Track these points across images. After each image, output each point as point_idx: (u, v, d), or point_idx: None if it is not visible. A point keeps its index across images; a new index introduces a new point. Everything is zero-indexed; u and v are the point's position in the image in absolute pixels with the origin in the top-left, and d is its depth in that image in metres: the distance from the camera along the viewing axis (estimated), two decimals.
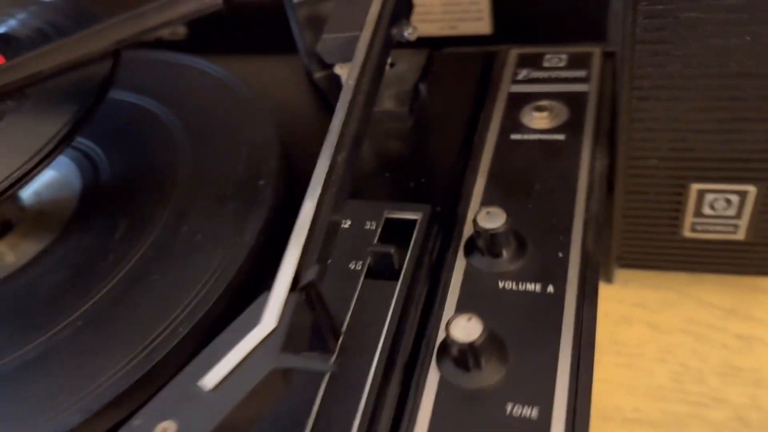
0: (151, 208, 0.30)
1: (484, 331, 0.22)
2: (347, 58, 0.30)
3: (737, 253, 0.32)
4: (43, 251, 0.30)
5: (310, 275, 0.20)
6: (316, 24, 0.35)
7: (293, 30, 0.36)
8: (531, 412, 0.21)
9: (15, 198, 0.32)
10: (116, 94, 0.34)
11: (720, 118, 0.27)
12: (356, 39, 0.29)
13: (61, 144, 0.25)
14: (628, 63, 0.26)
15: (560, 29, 0.38)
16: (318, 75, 0.36)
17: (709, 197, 0.30)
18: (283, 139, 0.32)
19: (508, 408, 0.21)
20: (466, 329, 0.22)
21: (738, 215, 0.30)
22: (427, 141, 0.32)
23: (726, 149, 0.28)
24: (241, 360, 0.19)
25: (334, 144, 0.24)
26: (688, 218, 0.31)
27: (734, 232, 0.31)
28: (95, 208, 0.31)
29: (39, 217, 0.32)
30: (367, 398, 0.22)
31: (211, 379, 0.18)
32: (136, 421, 0.18)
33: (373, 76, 0.27)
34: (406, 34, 0.31)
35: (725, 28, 0.24)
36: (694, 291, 0.35)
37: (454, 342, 0.22)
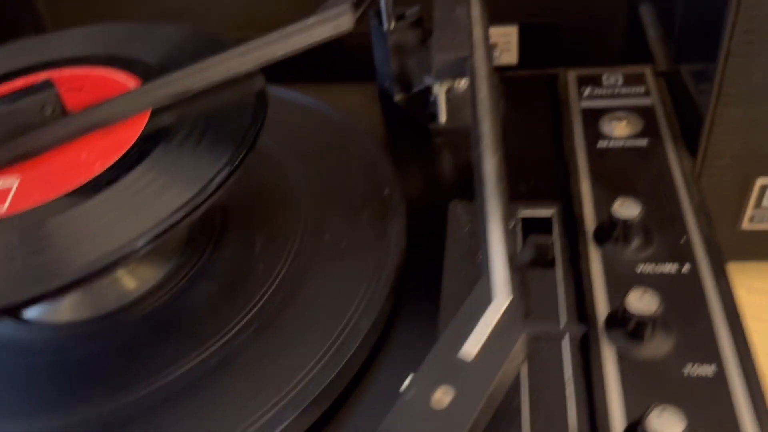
0: (283, 222, 0.31)
1: (661, 303, 0.24)
2: (459, 74, 0.33)
3: None
4: (175, 269, 0.30)
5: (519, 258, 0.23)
6: (401, 51, 0.37)
7: (378, 57, 0.38)
8: (708, 370, 0.24)
9: None
10: None
11: None
12: (466, 58, 0.32)
13: (232, 174, 0.25)
14: (719, 74, 0.30)
15: (577, 57, 0.43)
16: (399, 98, 0.39)
17: None
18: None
19: (687, 369, 0.24)
20: (643, 302, 0.25)
21: None
22: (519, 151, 0.35)
23: None
24: (491, 331, 0.21)
25: (492, 146, 0.27)
26: (749, 211, 0.35)
27: None
28: (213, 229, 0.32)
29: None
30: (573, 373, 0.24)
31: (469, 351, 0.20)
32: (411, 390, 0.19)
33: (492, 88, 0.30)
34: (496, 54, 0.34)
35: None
36: (739, 279, 0.39)
37: (632, 316, 0.24)
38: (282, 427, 0.23)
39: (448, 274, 0.28)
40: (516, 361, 0.21)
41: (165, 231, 0.23)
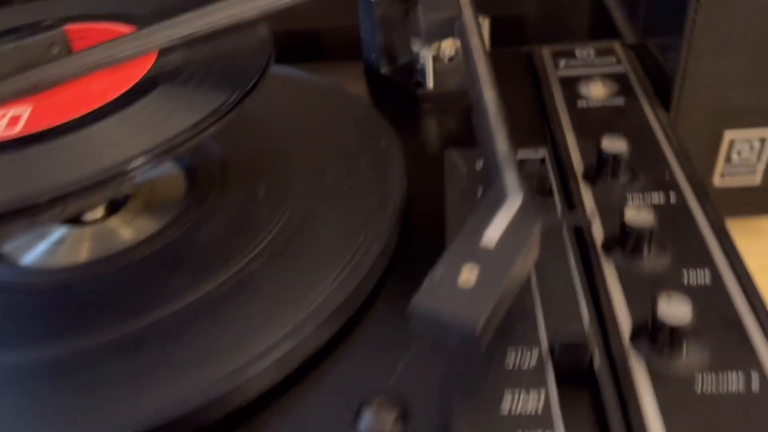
0: (284, 172, 0.31)
1: (655, 218, 0.26)
2: (447, 34, 0.34)
3: (752, 198, 0.39)
4: (181, 213, 0.30)
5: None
6: (387, 24, 0.39)
7: (364, 30, 0.40)
8: (706, 277, 0.25)
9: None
10: None
11: (753, 72, 0.34)
12: (455, 18, 0.34)
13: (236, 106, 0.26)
14: (689, 27, 0.33)
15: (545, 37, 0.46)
16: (385, 69, 0.40)
17: (737, 145, 0.37)
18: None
19: (685, 279, 0.25)
20: (640, 217, 0.26)
21: (758, 159, 0.37)
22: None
23: (754, 99, 0.35)
24: (510, 222, 0.22)
25: (489, 82, 0.28)
26: (720, 166, 0.38)
27: (753, 176, 0.38)
28: (213, 181, 0.32)
29: (154, 192, 0.32)
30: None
31: (491, 240, 0.21)
32: (438, 271, 0.20)
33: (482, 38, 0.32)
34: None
35: None
36: None
37: (632, 230, 0.26)
38: (303, 336, 0.23)
39: (451, 209, 0.29)
40: (533, 250, 0.22)
41: (167, 150, 0.23)
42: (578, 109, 0.36)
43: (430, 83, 0.38)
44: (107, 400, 0.22)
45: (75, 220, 0.31)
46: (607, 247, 0.27)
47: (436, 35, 0.35)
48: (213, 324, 0.24)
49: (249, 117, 0.36)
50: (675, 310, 0.22)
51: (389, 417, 0.21)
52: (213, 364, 0.22)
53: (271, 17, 0.30)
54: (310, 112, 0.36)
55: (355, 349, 0.24)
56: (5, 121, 0.24)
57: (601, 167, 0.30)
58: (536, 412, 0.20)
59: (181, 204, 0.31)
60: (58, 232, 0.31)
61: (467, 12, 0.33)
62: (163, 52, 0.28)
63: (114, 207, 0.32)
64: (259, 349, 0.23)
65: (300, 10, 0.43)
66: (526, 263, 0.21)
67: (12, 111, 0.25)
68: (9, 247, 0.30)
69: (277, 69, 0.39)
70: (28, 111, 0.25)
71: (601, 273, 0.26)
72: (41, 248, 0.30)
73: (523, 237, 0.21)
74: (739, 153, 0.37)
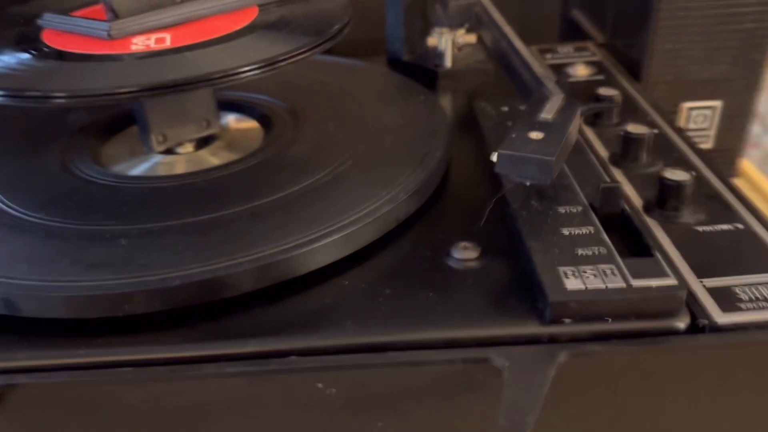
0: (346, 116, 0.38)
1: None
2: (467, 19, 0.43)
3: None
4: (267, 142, 0.36)
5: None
6: (410, 16, 0.47)
7: (390, 22, 0.48)
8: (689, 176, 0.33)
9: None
10: None
11: (705, 51, 0.44)
12: (474, 4, 0.42)
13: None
14: (655, 17, 0.42)
15: None
16: (407, 57, 0.48)
17: (693, 114, 0.46)
18: None
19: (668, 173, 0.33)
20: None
21: (710, 126, 0.47)
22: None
23: (706, 74, 0.45)
24: (560, 104, 0.29)
25: (515, 36, 0.36)
26: None
27: (707, 142, 0.47)
28: (286, 124, 0.38)
29: (234, 134, 0.39)
30: None
31: (548, 115, 0.28)
32: (513, 134, 0.27)
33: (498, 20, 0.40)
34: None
35: None
36: None
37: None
38: (398, 201, 0.29)
39: (488, 135, 0.36)
40: (576, 126, 0.29)
41: (264, 66, 0.30)
42: (568, 82, 0.45)
43: (448, 63, 0.46)
44: (243, 244, 0.27)
45: (168, 152, 0.37)
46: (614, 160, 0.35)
47: (457, 21, 0.43)
48: (328, 195, 0.30)
49: (309, 82, 0.43)
50: (678, 175, 0.30)
51: (473, 253, 0.28)
52: (327, 223, 0.28)
53: None
54: (359, 81, 0.44)
55: (437, 215, 0.31)
56: (153, 40, 0.31)
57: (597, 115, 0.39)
58: (588, 233, 0.27)
59: (262, 141, 0.37)
60: (156, 158, 0.36)
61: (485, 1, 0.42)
62: (262, 8, 0.35)
63: (200, 145, 0.38)
64: (366, 210, 0.29)
65: None
66: (573, 133, 0.29)
67: (155, 35, 0.31)
68: (118, 167, 0.36)
69: (323, 57, 0.47)
70: (169, 36, 0.31)
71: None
72: (143, 167, 0.36)
73: (570, 114, 0.29)
74: (695, 121, 0.47)
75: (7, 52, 0.31)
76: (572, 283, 0.25)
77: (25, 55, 0.31)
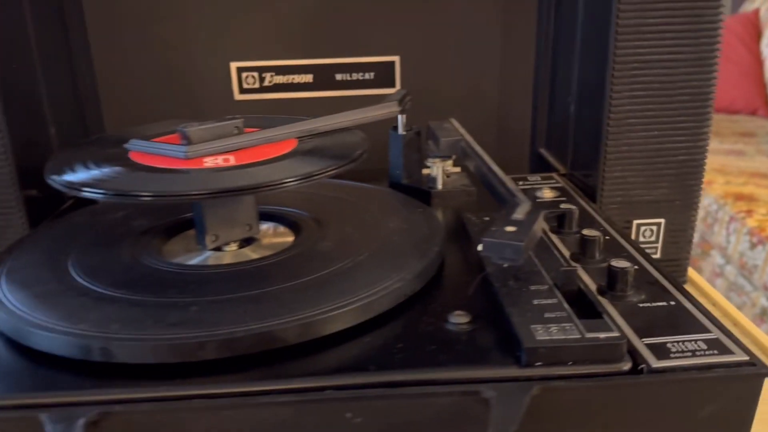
0: (360, 223, 0.47)
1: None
2: (454, 152, 0.54)
3: None
4: (297, 242, 0.45)
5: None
6: (408, 150, 0.58)
7: (392, 154, 0.58)
8: (630, 264, 0.42)
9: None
10: None
11: (647, 175, 0.54)
12: (459, 140, 0.53)
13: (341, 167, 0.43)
14: (604, 151, 0.53)
15: None
16: (406, 181, 0.58)
17: (642, 228, 0.56)
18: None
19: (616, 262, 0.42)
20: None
21: (657, 240, 0.56)
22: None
23: (649, 196, 0.55)
24: (527, 210, 0.38)
25: (492, 162, 0.47)
26: None
27: (656, 253, 0.57)
28: (312, 227, 0.47)
29: (271, 236, 0.48)
30: None
31: (519, 215, 0.38)
32: (493, 229, 0.36)
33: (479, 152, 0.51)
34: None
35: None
36: None
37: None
38: (407, 280, 0.38)
39: (475, 236, 0.45)
40: (540, 225, 0.38)
41: (305, 178, 0.39)
42: (536, 202, 0.55)
43: (440, 185, 0.56)
44: (289, 309, 0.35)
45: (217, 249, 0.45)
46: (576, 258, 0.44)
47: (446, 152, 0.54)
48: (351, 277, 0.38)
49: (327, 199, 0.53)
50: (622, 264, 0.39)
51: (465, 318, 0.36)
52: (351, 295, 0.36)
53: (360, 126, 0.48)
54: (369, 198, 0.53)
55: (437, 293, 0.39)
56: (221, 159, 0.41)
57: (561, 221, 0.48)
58: (553, 303, 0.36)
59: (293, 241, 0.46)
60: (208, 253, 0.45)
61: (466, 136, 0.53)
62: (301, 140, 0.46)
63: (242, 245, 0.46)
64: (380, 287, 0.37)
65: None
66: (538, 230, 0.38)
67: (222, 157, 0.41)
68: (178, 259, 0.44)
69: (338, 181, 0.57)
70: (233, 157, 0.41)
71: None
72: (197, 259, 0.44)
73: (535, 215, 0.38)
74: (644, 235, 0.56)
75: (105, 165, 0.41)
76: (541, 335, 0.33)
77: (120, 168, 0.40)
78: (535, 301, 0.36)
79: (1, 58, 0.52)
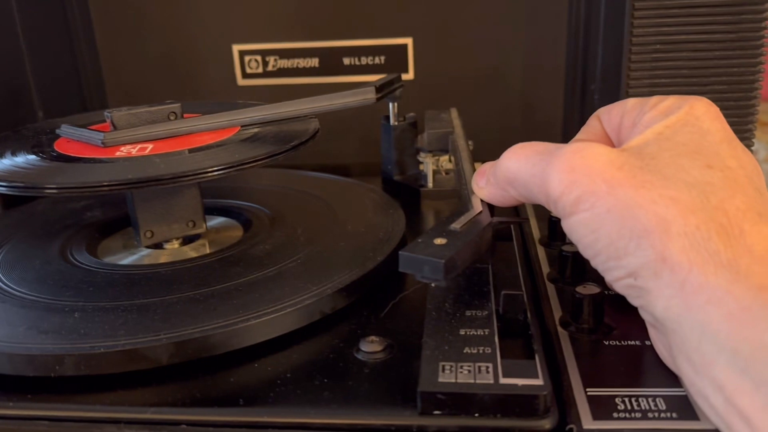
0: (315, 222, 0.42)
1: None
2: (444, 147, 0.47)
3: None
4: (239, 241, 0.41)
5: None
6: (400, 144, 0.52)
7: (384, 147, 0.53)
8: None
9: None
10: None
11: None
12: (449, 133, 0.46)
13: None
14: None
15: None
16: (397, 177, 0.52)
17: None
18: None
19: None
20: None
21: None
22: None
23: None
24: (471, 218, 0.32)
25: (468, 160, 0.40)
26: None
27: None
28: (263, 227, 0.43)
29: (217, 234, 0.43)
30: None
31: (458, 226, 0.31)
32: (420, 239, 0.30)
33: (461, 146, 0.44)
34: None
35: None
36: None
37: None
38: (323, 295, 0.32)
39: None
40: (486, 237, 0.32)
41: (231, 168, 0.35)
42: None
43: (430, 183, 0.50)
44: (170, 324, 0.30)
45: (156, 246, 0.42)
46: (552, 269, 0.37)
47: (435, 146, 0.47)
48: (264, 287, 0.33)
49: (300, 194, 0.48)
50: (588, 289, 0.31)
51: (378, 347, 0.30)
52: (252, 310, 0.31)
53: (318, 115, 0.43)
54: (344, 196, 0.48)
55: (372, 311, 0.33)
56: (137, 149, 0.37)
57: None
58: (483, 334, 0.29)
59: (239, 239, 0.42)
60: (144, 251, 0.41)
61: (457, 129, 0.46)
62: (243, 127, 0.41)
63: (185, 242, 0.42)
64: (290, 301, 0.32)
65: (334, 148, 0.57)
66: (481, 244, 0.31)
67: (140, 145, 0.37)
68: (111, 257, 0.41)
69: (316, 173, 0.52)
70: (151, 146, 0.37)
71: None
72: (130, 258, 0.41)
73: (477, 226, 0.31)
74: None
75: (21, 154, 0.38)
76: (445, 377, 0.26)
77: (33, 157, 0.37)
78: (462, 331, 0.29)
79: None
